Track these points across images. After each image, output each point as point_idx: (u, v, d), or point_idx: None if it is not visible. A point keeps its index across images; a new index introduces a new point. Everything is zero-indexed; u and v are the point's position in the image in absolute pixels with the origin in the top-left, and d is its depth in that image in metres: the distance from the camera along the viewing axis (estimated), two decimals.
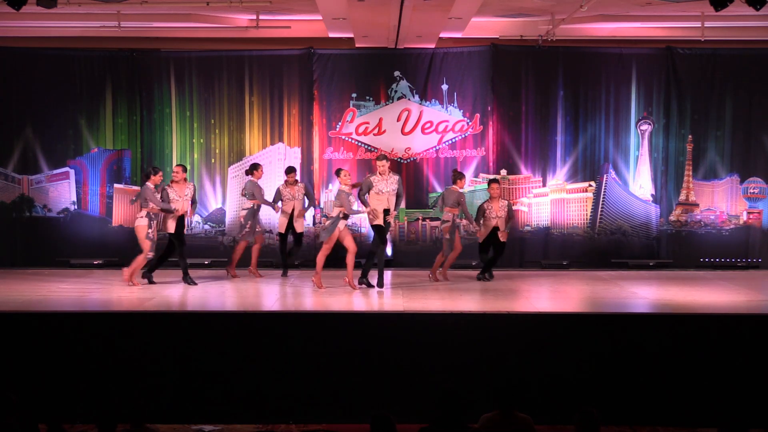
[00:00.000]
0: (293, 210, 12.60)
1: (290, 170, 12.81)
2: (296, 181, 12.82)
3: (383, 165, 11.58)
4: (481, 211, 12.35)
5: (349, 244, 11.41)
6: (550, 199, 14.36)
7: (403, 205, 12.10)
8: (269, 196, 12.98)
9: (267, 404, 9.11)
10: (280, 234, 12.89)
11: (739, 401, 8.75)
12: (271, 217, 13.60)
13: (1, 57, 14.21)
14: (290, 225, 12.65)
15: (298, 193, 12.68)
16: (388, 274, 13.16)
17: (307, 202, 12.83)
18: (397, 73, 14.27)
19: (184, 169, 12.06)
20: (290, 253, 12.92)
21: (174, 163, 14.20)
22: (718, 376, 9.02)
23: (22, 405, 6.71)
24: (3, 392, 6.74)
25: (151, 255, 11.82)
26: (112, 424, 6.30)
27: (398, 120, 14.29)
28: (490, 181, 12.67)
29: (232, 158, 14.34)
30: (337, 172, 11.68)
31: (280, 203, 12.71)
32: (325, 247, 11.43)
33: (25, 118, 14.22)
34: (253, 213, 12.57)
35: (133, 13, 12.91)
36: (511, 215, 12.43)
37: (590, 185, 14.39)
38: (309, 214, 13.70)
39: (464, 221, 12.28)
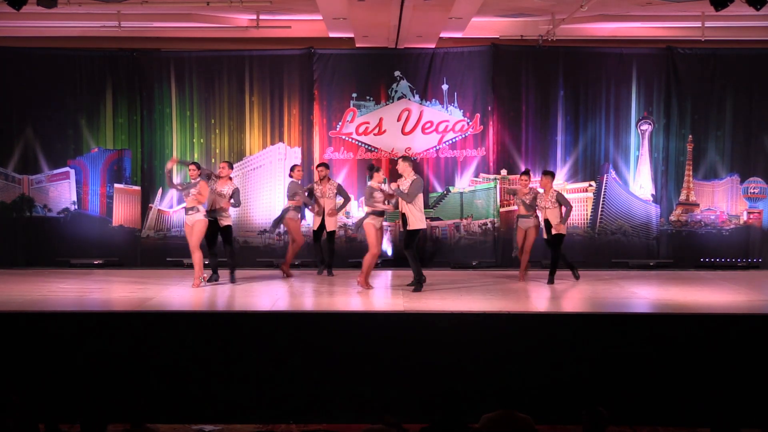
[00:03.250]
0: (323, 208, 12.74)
1: (320, 166, 13.01)
2: (327, 177, 12.90)
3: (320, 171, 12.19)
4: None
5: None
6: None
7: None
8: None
9: (267, 404, 9.12)
10: (313, 232, 12.95)
11: (738, 401, 8.75)
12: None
13: (1, 57, 14.21)
14: (322, 223, 12.75)
15: (329, 190, 12.75)
16: (388, 274, 13.19)
17: (341, 200, 12.93)
18: (397, 73, 14.26)
19: (230, 166, 12.33)
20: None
21: None
22: (718, 376, 9.02)
23: (22, 405, 6.71)
24: (4, 393, 6.75)
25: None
26: (99, 424, 6.24)
27: (398, 120, 14.28)
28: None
29: (233, 158, 14.30)
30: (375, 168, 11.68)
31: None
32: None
33: (26, 118, 14.21)
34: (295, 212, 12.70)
35: (133, 13, 12.91)
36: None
37: (590, 185, 14.39)
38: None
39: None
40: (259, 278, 12.70)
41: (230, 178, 12.21)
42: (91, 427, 6.18)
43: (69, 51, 14.24)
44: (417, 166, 14.07)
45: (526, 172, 12.86)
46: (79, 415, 6.36)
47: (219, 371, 9.16)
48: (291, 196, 12.68)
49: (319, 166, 13.13)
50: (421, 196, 11.50)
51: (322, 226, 12.77)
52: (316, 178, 13.01)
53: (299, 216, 12.95)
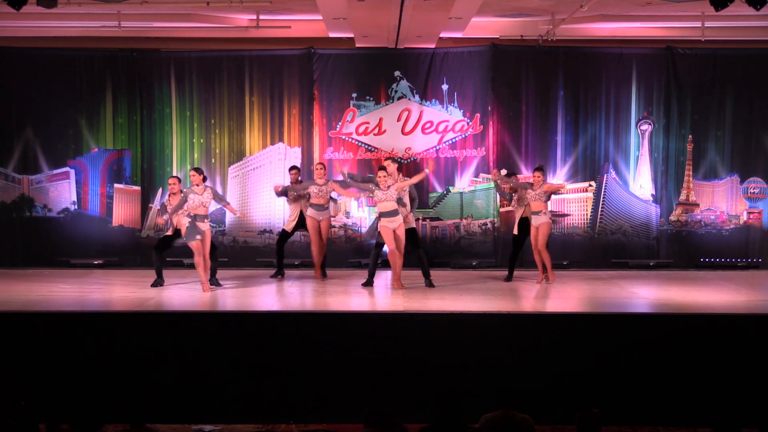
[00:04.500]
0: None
1: (291, 168, 12.85)
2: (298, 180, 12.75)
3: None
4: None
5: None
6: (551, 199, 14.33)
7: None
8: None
9: (267, 404, 9.12)
10: (284, 233, 12.83)
11: (738, 401, 8.75)
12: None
13: (1, 57, 14.20)
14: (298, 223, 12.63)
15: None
16: (387, 275, 13.16)
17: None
18: (397, 73, 14.26)
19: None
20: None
21: (174, 163, 14.27)
22: (718, 376, 9.02)
23: (23, 405, 6.71)
24: (5, 393, 6.74)
25: None
26: (92, 424, 6.21)
27: (398, 120, 14.28)
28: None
29: (232, 158, 14.34)
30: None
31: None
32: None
33: (25, 118, 14.21)
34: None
35: (133, 13, 12.91)
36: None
37: (590, 185, 14.39)
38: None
39: None
40: (259, 278, 12.70)
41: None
42: (83, 427, 6.15)
43: (69, 51, 14.24)
44: (417, 166, 14.07)
45: (540, 168, 12.62)
46: (71, 414, 6.34)
47: (219, 371, 9.16)
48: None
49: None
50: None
51: (298, 226, 12.64)
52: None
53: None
